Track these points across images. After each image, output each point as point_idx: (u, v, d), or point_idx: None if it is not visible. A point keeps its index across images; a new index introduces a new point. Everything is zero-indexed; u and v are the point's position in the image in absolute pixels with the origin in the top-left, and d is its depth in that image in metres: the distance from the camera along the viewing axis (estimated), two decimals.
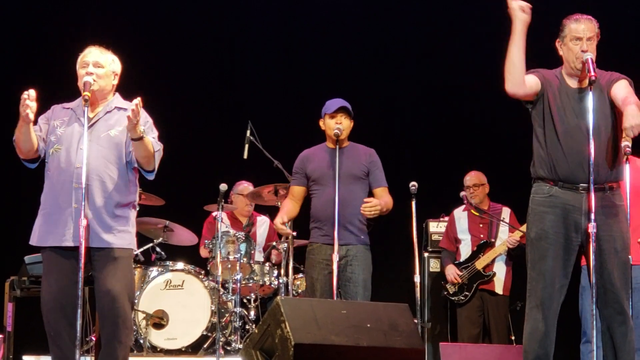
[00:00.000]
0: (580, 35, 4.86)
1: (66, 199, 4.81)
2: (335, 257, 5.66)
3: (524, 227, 7.13)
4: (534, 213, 4.90)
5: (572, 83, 4.91)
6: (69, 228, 4.79)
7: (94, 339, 6.21)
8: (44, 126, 5.02)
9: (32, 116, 4.78)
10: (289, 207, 5.99)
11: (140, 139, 4.83)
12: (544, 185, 4.87)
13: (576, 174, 4.81)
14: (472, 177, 7.70)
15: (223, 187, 6.79)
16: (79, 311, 4.65)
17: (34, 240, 4.95)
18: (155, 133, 5.05)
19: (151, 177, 5.09)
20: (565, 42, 4.89)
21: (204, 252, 7.82)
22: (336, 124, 5.91)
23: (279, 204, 7.17)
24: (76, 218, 4.76)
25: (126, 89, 5.21)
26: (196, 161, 8.67)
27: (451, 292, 7.52)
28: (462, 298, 7.48)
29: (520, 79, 4.86)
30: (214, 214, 7.83)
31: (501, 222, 7.55)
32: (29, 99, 4.74)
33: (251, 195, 7.63)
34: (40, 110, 4.99)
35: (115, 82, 5.05)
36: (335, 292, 5.66)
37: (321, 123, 6.07)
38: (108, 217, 4.89)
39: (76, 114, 4.98)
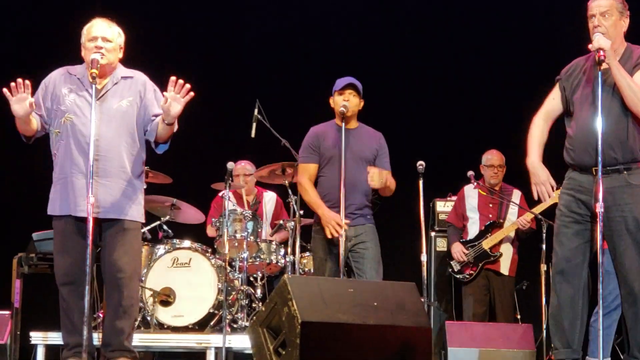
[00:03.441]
0: (592, 12, 4.85)
1: (82, 169, 4.83)
2: (342, 239, 5.68)
3: (535, 210, 7.13)
4: (559, 195, 5.05)
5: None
6: (84, 199, 4.80)
7: (101, 315, 6.24)
8: (44, 101, 5.03)
9: (24, 111, 4.80)
10: (317, 194, 5.95)
11: (173, 123, 4.90)
12: (568, 170, 4.95)
13: (586, 158, 4.83)
14: (496, 157, 7.62)
15: (230, 165, 6.79)
16: (87, 287, 4.68)
17: (51, 210, 4.98)
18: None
19: (161, 151, 5.15)
20: (588, 22, 4.88)
21: (211, 232, 7.83)
22: (343, 101, 5.90)
23: (287, 182, 7.17)
24: (93, 190, 4.79)
25: (132, 64, 5.23)
26: (204, 140, 8.67)
27: (456, 270, 7.52)
28: (467, 276, 7.48)
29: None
30: (220, 193, 7.83)
31: (511, 204, 7.53)
32: (24, 88, 4.75)
33: (257, 175, 7.64)
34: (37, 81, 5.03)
35: (121, 55, 5.09)
36: (342, 270, 5.68)
37: (331, 101, 6.09)
38: (123, 188, 4.94)
39: (84, 84, 4.99)
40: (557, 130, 5.20)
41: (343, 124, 5.87)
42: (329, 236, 5.77)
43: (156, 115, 5.02)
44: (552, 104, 5.11)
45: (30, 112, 4.85)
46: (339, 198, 5.77)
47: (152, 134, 5.03)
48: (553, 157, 5.27)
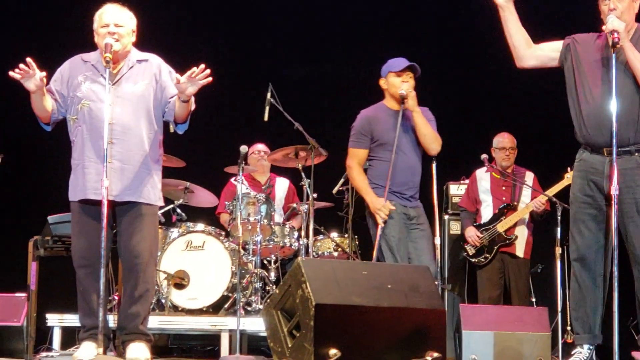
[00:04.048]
0: None
1: (100, 154, 4.85)
2: (381, 221, 5.68)
3: (548, 192, 7.12)
4: (572, 179, 5.08)
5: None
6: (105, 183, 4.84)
7: (116, 297, 6.28)
8: (60, 87, 5.05)
9: (36, 86, 4.81)
10: (366, 180, 5.89)
11: (188, 100, 4.92)
12: (579, 151, 4.96)
13: (598, 138, 4.83)
14: (507, 140, 7.60)
15: (243, 149, 6.79)
16: (102, 270, 4.70)
17: (72, 196, 5.01)
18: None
19: (181, 131, 5.17)
20: (599, 3, 4.88)
21: (224, 219, 7.84)
22: (403, 82, 5.81)
23: (300, 166, 7.17)
24: (111, 173, 4.83)
25: (145, 48, 5.24)
26: (217, 123, 8.67)
27: (470, 254, 7.51)
28: (482, 260, 7.47)
29: (522, 54, 5.07)
30: (232, 179, 7.85)
31: (524, 186, 7.51)
32: (30, 69, 4.77)
33: (270, 158, 7.66)
34: (52, 67, 5.03)
35: (134, 39, 5.11)
36: (375, 255, 5.68)
37: (382, 82, 5.96)
38: (140, 171, 4.97)
39: (98, 70, 5.01)
40: (567, 111, 5.19)
41: (401, 107, 5.78)
42: (380, 223, 5.71)
43: (173, 97, 5.04)
44: (548, 47, 5.10)
45: (42, 87, 4.87)
46: (404, 182, 5.80)
47: (171, 113, 5.06)
48: (564, 138, 5.26)
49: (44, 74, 4.84)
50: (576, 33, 5.13)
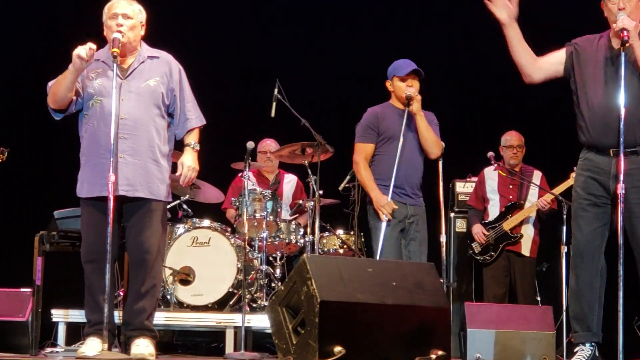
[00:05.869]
0: None
1: (110, 149, 4.84)
2: (385, 218, 5.84)
3: (555, 190, 7.12)
4: (575, 177, 5.07)
5: (615, 44, 4.87)
6: (119, 178, 4.86)
7: (121, 293, 6.28)
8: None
9: (89, 51, 4.83)
10: (372, 176, 6.02)
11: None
12: (583, 150, 4.95)
13: (604, 138, 4.82)
14: (515, 138, 7.62)
15: (250, 145, 6.79)
16: (108, 266, 4.71)
17: (80, 191, 5.01)
18: (196, 108, 5.28)
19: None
20: (606, 1, 4.86)
21: (230, 215, 7.84)
22: (407, 87, 5.96)
23: (306, 162, 7.16)
24: (123, 168, 4.85)
25: (153, 43, 5.25)
26: (224, 119, 8.66)
27: (476, 252, 7.51)
28: (488, 258, 7.47)
29: (528, 71, 5.03)
30: (240, 175, 7.85)
31: (531, 185, 7.51)
32: (89, 51, 4.79)
33: (277, 154, 7.66)
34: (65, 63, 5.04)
35: (143, 32, 5.11)
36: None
37: (388, 84, 6.13)
38: (151, 167, 4.98)
39: (109, 66, 5.01)
40: (571, 112, 5.18)
41: (407, 107, 5.93)
42: (383, 219, 5.87)
43: (173, 115, 5.15)
44: (552, 60, 5.08)
45: (91, 55, 4.83)
46: (401, 177, 5.89)
47: (179, 135, 5.21)
48: (571, 137, 5.24)
49: (94, 47, 4.85)
50: (575, 34, 5.12)
